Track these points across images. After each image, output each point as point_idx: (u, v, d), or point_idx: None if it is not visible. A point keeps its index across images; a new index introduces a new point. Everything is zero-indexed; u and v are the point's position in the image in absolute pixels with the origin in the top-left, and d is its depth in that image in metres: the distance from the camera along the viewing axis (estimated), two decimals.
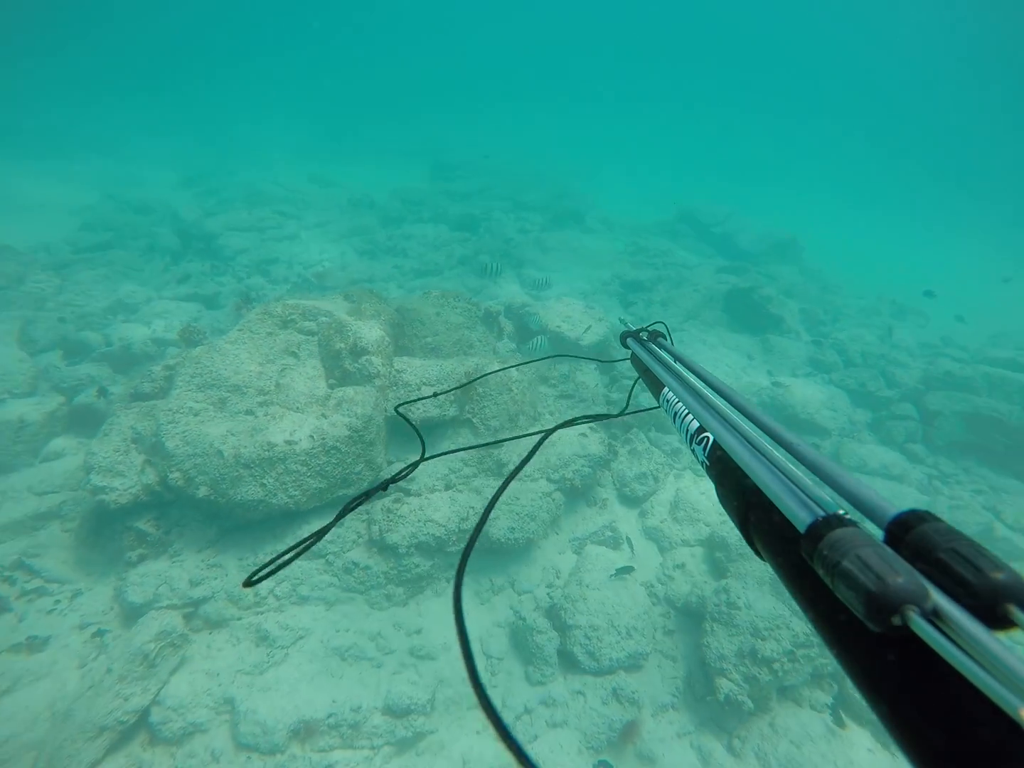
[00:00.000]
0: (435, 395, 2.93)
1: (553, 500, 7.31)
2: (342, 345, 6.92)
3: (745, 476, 0.84)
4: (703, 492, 8.15)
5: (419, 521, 6.47)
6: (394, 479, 1.43)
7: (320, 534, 1.13)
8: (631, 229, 19.86)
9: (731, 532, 7.31)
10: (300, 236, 15.03)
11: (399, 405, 2.31)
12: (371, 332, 7.11)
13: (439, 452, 1.77)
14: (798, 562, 0.67)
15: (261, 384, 6.67)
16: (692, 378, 1.32)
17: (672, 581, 7.16)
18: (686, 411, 1.14)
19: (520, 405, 7.89)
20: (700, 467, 9.15)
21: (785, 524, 0.71)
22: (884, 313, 15.78)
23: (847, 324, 14.03)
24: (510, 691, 6.06)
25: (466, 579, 6.90)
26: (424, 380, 7.10)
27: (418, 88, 50.68)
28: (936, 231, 32.13)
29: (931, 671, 0.49)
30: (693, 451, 1.06)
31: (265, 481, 6.05)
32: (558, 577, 7.09)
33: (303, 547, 1.09)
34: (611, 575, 6.81)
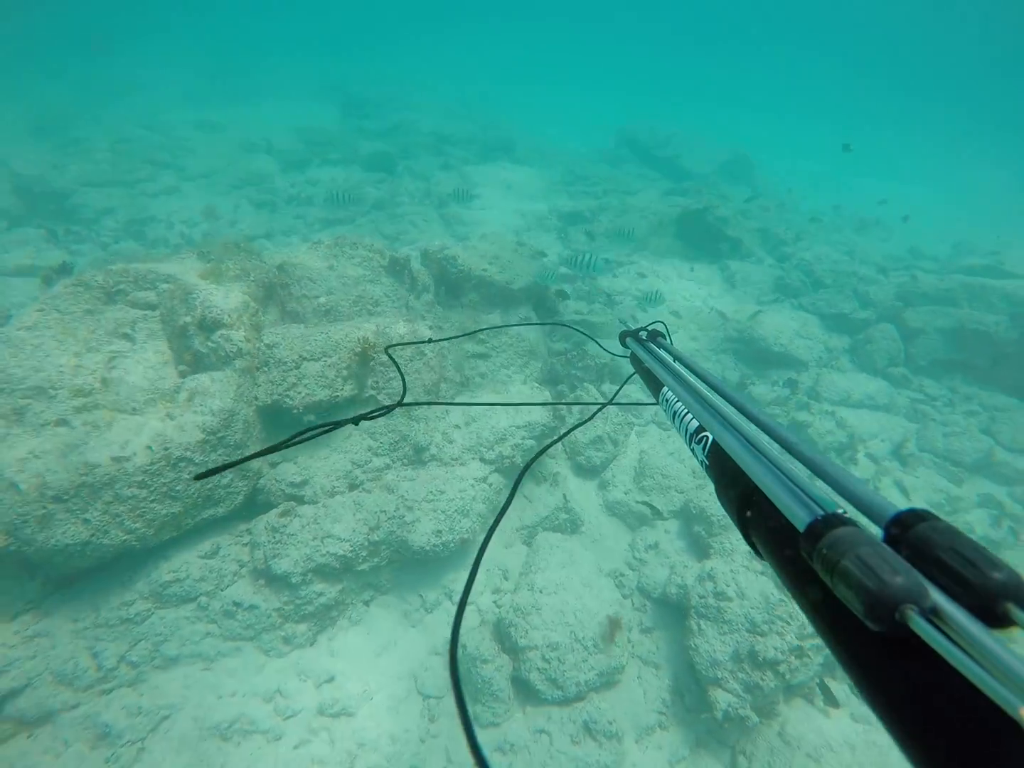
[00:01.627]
0: (430, 341, 2.67)
1: (490, 485, 5.93)
2: (188, 319, 5.22)
3: (744, 475, 0.82)
4: (672, 451, 6.90)
5: (315, 539, 4.99)
6: (366, 415, 1.41)
7: (264, 453, 1.15)
8: (567, 158, 18.06)
9: (710, 500, 6.10)
10: (181, 188, 12.74)
11: (389, 346, 2.14)
12: (228, 298, 5.41)
13: (421, 401, 2.16)
14: (797, 561, 0.65)
15: (79, 382, 4.94)
16: (691, 377, 1.32)
17: (645, 566, 5.95)
18: (685, 410, 1.11)
19: (439, 371, 6.37)
20: (665, 420, 7.55)
21: (784, 523, 0.70)
22: (845, 229, 14.69)
23: (810, 242, 12.86)
24: (455, 740, 4.79)
25: (389, 598, 5.52)
26: (304, 354, 5.48)
27: (322, 17, 45.96)
28: (886, 135, 31.14)
29: (931, 670, 0.48)
30: (692, 450, 1.03)
31: (89, 516, 4.45)
32: (506, 579, 5.79)
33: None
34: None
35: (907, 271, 11.87)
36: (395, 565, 5.45)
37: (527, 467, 1.34)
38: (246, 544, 5.07)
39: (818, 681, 4.97)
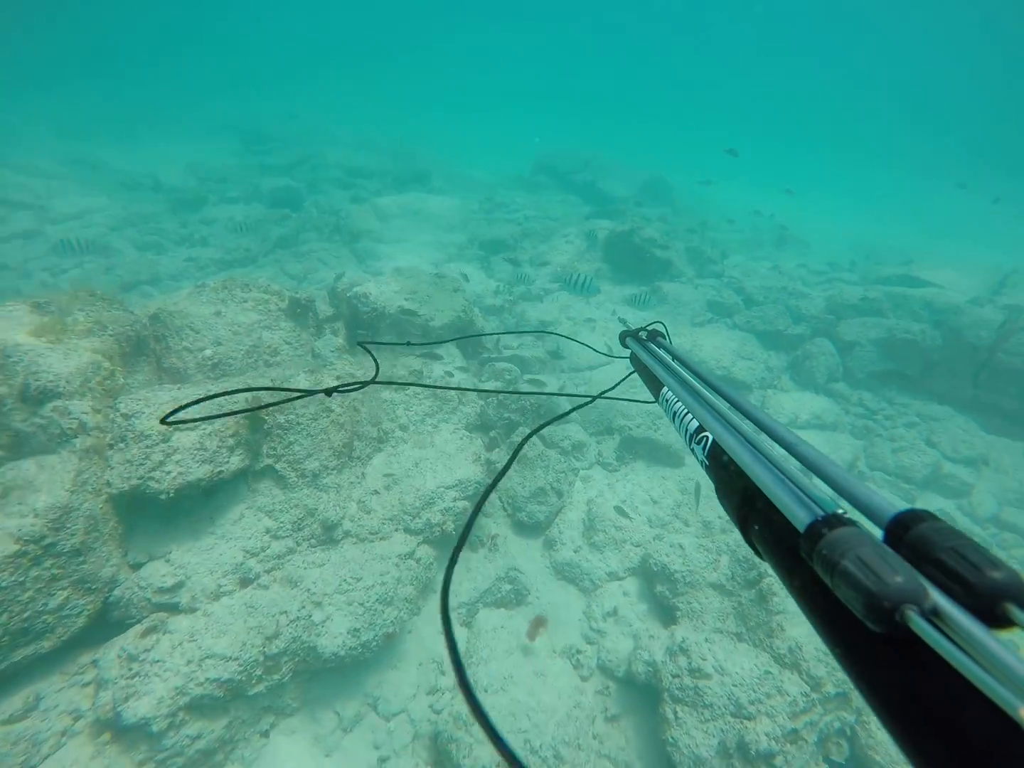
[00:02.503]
0: (408, 344, 2.34)
1: (418, 561, 5.02)
2: (4, 389, 4.08)
3: (744, 476, 0.83)
4: (623, 499, 6.21)
5: (190, 663, 3.90)
6: (340, 388, 1.42)
7: (236, 392, 1.25)
8: (485, 186, 17.67)
9: (671, 553, 5.43)
10: (44, 232, 11.24)
11: (363, 341, 2.09)
12: (67, 360, 4.33)
13: (395, 381, 2.04)
14: (798, 562, 0.65)
15: None
16: (691, 378, 1.32)
17: (604, 638, 5.16)
18: (685, 411, 1.11)
19: (350, 428, 5.45)
20: (609, 461, 6.60)
21: (784, 524, 0.70)
22: (766, 244, 14.89)
23: (736, 260, 12.83)
24: None
25: (296, 720, 4.45)
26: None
27: (221, 55, 44.57)
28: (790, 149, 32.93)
29: (931, 670, 0.48)
30: (692, 451, 1.02)
31: None
32: (443, 673, 4.85)
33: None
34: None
35: (830, 284, 12.00)
36: (302, 678, 4.41)
37: (533, 433, 1.37)
38: (88, 684, 3.89)
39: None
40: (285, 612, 4.21)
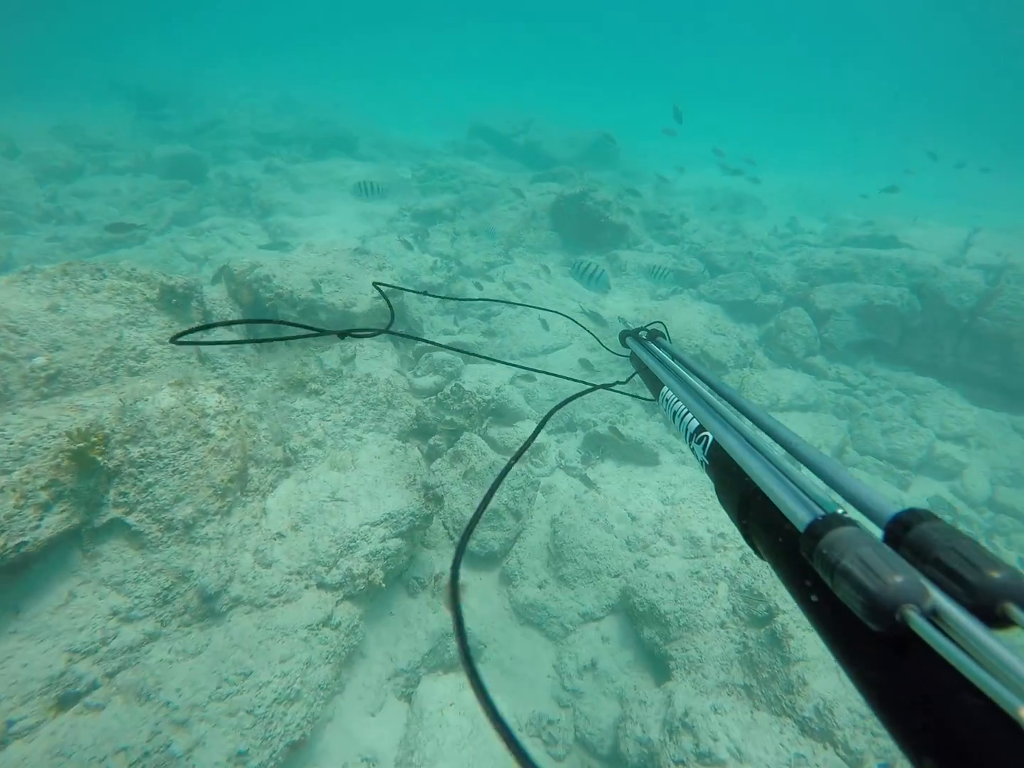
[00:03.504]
0: (425, 293, 2.11)
1: (336, 628, 3.84)
2: None
3: (745, 475, 0.83)
4: (595, 516, 5.16)
5: None
6: (353, 332, 1.39)
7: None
8: (418, 152, 16.13)
9: (659, 586, 4.43)
10: None
11: (378, 283, 1.96)
12: None
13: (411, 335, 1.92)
14: (798, 561, 0.66)
15: None
16: (691, 377, 1.30)
17: (581, 700, 4.16)
18: (685, 410, 1.11)
19: (240, 454, 4.16)
20: (574, 464, 5.32)
21: (784, 523, 0.71)
22: (721, 206, 14.05)
23: (696, 224, 11.91)
24: None
25: None
26: None
27: (115, 9, 40.04)
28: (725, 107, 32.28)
29: (931, 670, 0.48)
30: (692, 450, 1.03)
31: None
32: None
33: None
34: None
35: (796, 247, 11.26)
36: None
37: (558, 407, 1.33)
38: None
39: None
40: (124, 749, 2.95)
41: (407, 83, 30.59)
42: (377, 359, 6.09)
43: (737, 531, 4.19)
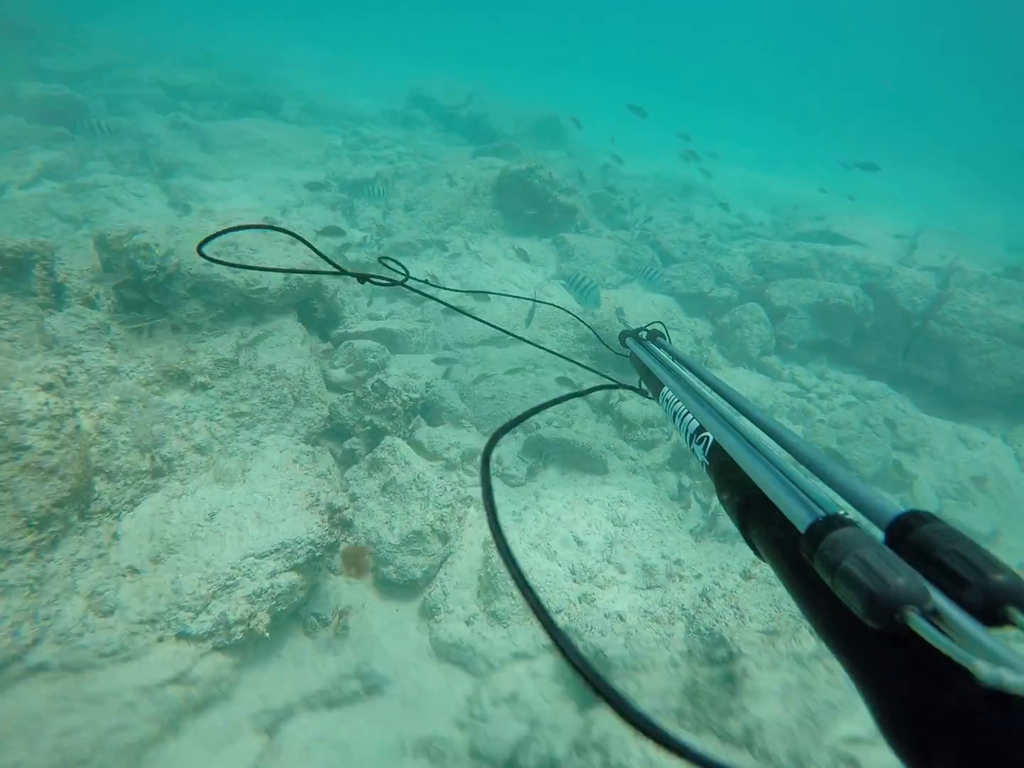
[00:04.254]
0: (425, 282, 1.93)
1: (190, 686, 3.01)
2: None
3: (745, 476, 0.82)
4: (536, 539, 4.47)
5: None
6: (372, 277, 1.45)
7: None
8: (351, 118, 14.90)
9: (607, 628, 3.80)
10: None
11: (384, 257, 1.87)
12: None
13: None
14: (798, 562, 0.66)
15: None
16: (691, 377, 1.33)
17: (486, 723, 3.53)
18: (685, 410, 1.10)
19: (78, 467, 3.22)
20: (512, 473, 4.45)
21: (785, 524, 0.71)
22: (672, 193, 13.61)
23: (647, 210, 11.39)
24: None
25: None
26: None
27: None
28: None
29: (932, 670, 0.48)
30: (693, 451, 1.03)
31: None
32: None
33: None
34: None
35: (748, 239, 10.93)
36: None
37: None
38: None
39: None
40: None
41: (353, 51, 28.74)
42: (285, 346, 5.17)
43: (695, 559, 3.27)
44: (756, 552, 0.78)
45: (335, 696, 3.59)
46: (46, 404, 3.12)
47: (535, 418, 6.08)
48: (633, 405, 6.58)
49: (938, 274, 9.08)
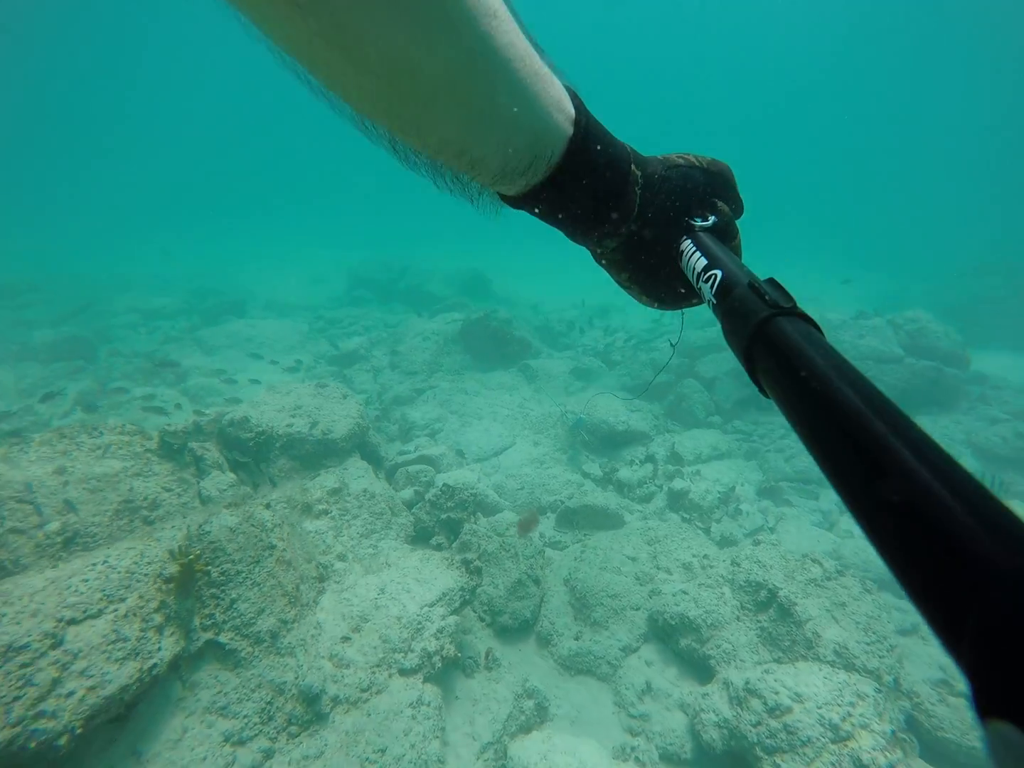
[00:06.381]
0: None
1: (429, 705, 4.09)
2: None
3: (753, 312, 0.70)
4: (603, 564, 5.85)
5: None
6: None
7: None
8: (307, 308, 17.05)
9: (680, 600, 5.17)
10: None
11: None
12: None
13: None
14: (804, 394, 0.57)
15: None
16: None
17: (650, 722, 4.68)
18: (693, 248, 0.94)
19: (297, 563, 4.45)
20: (559, 539, 6.41)
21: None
22: (590, 315, 16.39)
23: (580, 332, 13.83)
24: None
25: None
26: (60, 620, 3.19)
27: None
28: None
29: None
30: (700, 289, 0.91)
31: None
32: None
33: None
34: None
35: (670, 334, 13.47)
36: None
37: None
38: None
39: None
40: None
41: (286, 242, 32.02)
42: (364, 476, 6.54)
43: (715, 552, 5.57)
44: (761, 390, 0.71)
45: (521, 720, 4.57)
46: (272, 516, 4.38)
47: (560, 493, 7.58)
48: (626, 472, 8.25)
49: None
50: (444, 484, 6.60)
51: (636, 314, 15.80)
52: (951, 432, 9.33)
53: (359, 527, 5.79)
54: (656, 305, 1.04)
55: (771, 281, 0.71)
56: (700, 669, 4.91)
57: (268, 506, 4.58)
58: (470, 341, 11.69)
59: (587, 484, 8.09)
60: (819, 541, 6.92)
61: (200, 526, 4.09)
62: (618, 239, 0.89)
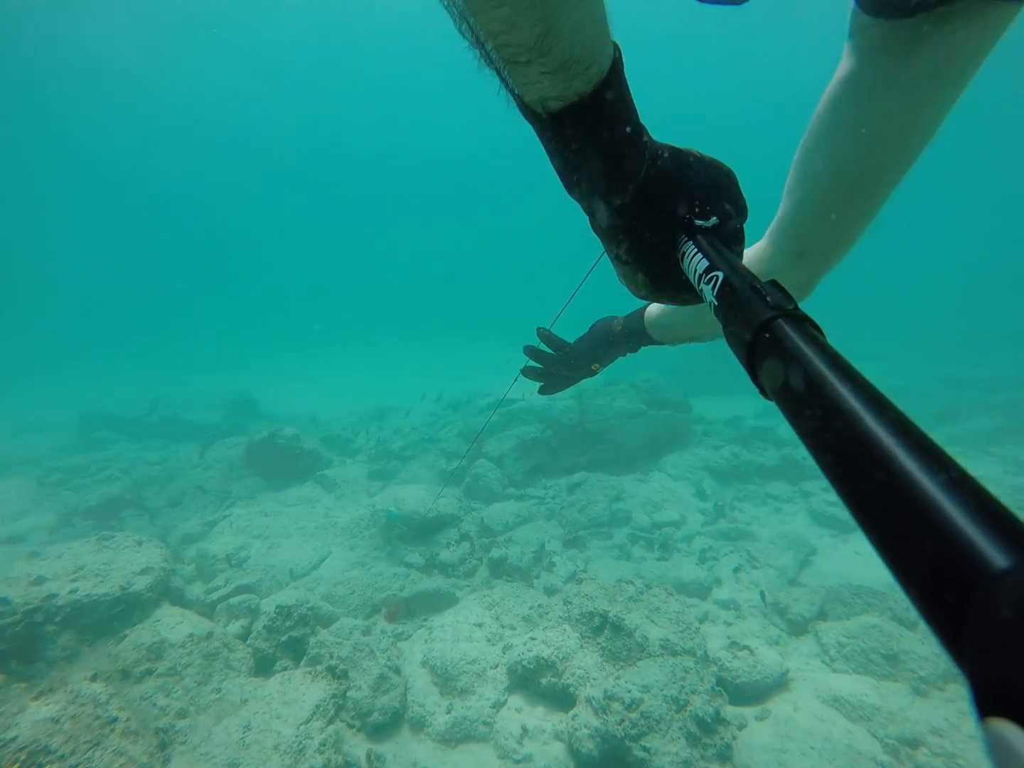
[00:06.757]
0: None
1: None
2: None
3: (755, 311, 0.70)
4: (460, 638, 6.15)
5: None
6: None
7: None
8: (25, 463, 14.32)
9: (547, 645, 5.73)
10: None
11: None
12: None
13: None
14: (806, 395, 0.56)
15: None
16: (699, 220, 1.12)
17: (530, 764, 5.00)
18: (695, 251, 0.94)
19: (142, 732, 4.01)
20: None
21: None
22: (372, 416, 16.78)
23: (364, 436, 14.11)
24: None
25: None
26: None
27: None
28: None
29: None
30: (701, 291, 0.92)
31: None
32: None
33: None
34: None
35: (446, 425, 14.45)
36: None
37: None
38: None
39: None
40: None
41: None
42: (184, 623, 5.94)
43: (548, 600, 6.70)
44: (762, 391, 0.72)
45: None
46: (106, 685, 3.88)
47: (390, 588, 7.67)
48: (446, 554, 8.68)
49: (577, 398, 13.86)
50: (277, 606, 6.30)
51: (415, 411, 16.65)
52: (692, 461, 11.79)
53: (193, 676, 5.24)
54: (651, 287, 1.02)
55: (773, 283, 0.72)
56: (563, 699, 5.46)
57: (94, 678, 4.05)
58: (257, 463, 11.19)
59: (413, 573, 8.29)
60: (623, 568, 8.16)
61: None
62: (623, 197, 0.87)
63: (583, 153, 0.78)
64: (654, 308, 1.93)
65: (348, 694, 5.35)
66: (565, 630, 5.97)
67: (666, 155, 0.89)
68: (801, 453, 11.36)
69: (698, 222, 0.97)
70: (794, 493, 10.79)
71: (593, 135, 0.77)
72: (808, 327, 0.62)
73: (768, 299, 0.68)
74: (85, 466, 12.77)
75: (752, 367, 0.69)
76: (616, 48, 0.73)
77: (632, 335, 2.03)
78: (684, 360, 18.58)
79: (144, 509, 9.96)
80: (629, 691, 4.87)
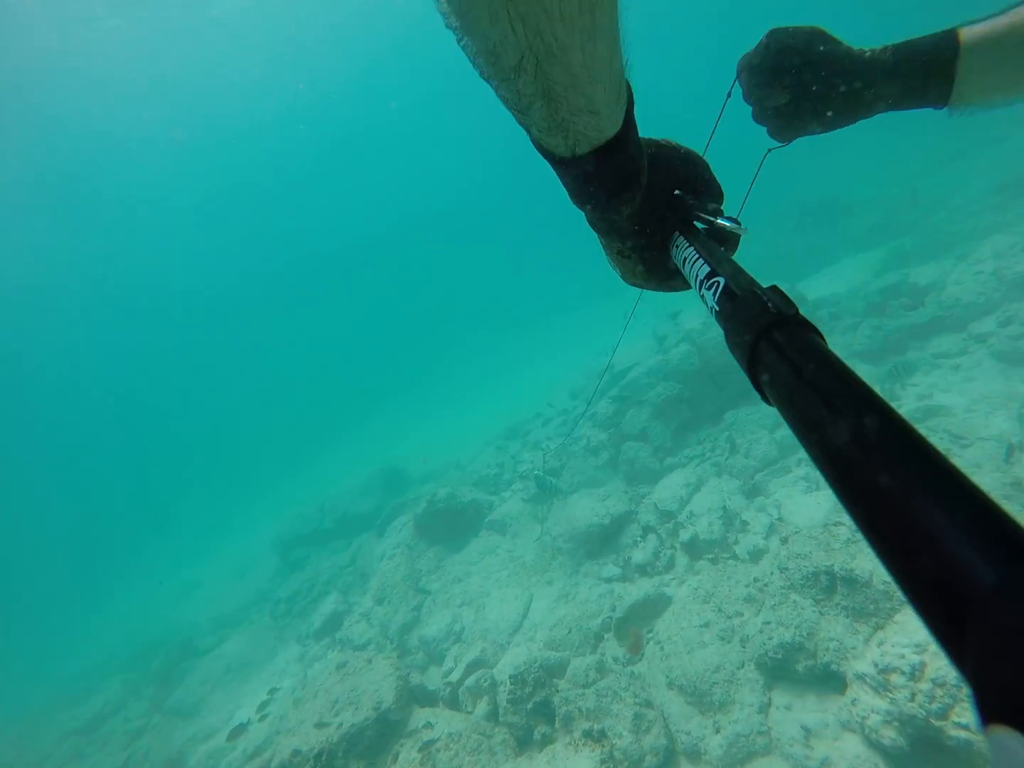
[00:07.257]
0: None
1: None
2: None
3: (756, 318, 0.69)
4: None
5: None
6: None
7: None
8: (254, 603, 16.12)
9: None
10: None
11: None
12: None
13: None
14: (806, 401, 0.55)
15: None
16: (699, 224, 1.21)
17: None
18: (696, 256, 0.97)
19: None
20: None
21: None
22: (506, 436, 17.10)
23: (511, 461, 14.34)
24: None
25: None
26: None
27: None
28: None
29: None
30: (703, 296, 0.93)
31: None
32: None
33: None
34: None
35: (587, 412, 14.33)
36: None
37: None
38: None
39: None
40: None
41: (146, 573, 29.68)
42: (439, 723, 6.28)
43: (760, 570, 6.17)
44: (764, 397, 0.70)
45: None
46: None
47: (602, 612, 7.67)
48: (638, 554, 8.55)
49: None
50: (511, 675, 6.50)
51: (537, 429, 16.72)
52: None
53: None
54: (648, 275, 1.10)
55: (774, 288, 0.71)
56: (830, 680, 5.11)
57: None
58: (428, 532, 11.73)
59: (616, 587, 8.25)
60: (820, 503, 7.50)
61: None
62: (632, 207, 0.92)
63: (590, 191, 0.85)
64: (992, 25, 1.17)
65: (615, 747, 5.40)
66: (795, 601, 5.61)
67: (651, 151, 0.98)
68: (956, 294, 10.00)
69: (689, 200, 1.05)
70: (966, 341, 9.43)
71: (598, 178, 0.82)
72: (809, 333, 0.62)
73: (769, 305, 0.67)
74: (298, 590, 14.10)
75: (754, 373, 0.69)
76: (628, 92, 0.77)
77: (915, 71, 1.23)
78: (771, 246, 17.05)
79: (361, 616, 10.76)
80: (902, 655, 4.42)
